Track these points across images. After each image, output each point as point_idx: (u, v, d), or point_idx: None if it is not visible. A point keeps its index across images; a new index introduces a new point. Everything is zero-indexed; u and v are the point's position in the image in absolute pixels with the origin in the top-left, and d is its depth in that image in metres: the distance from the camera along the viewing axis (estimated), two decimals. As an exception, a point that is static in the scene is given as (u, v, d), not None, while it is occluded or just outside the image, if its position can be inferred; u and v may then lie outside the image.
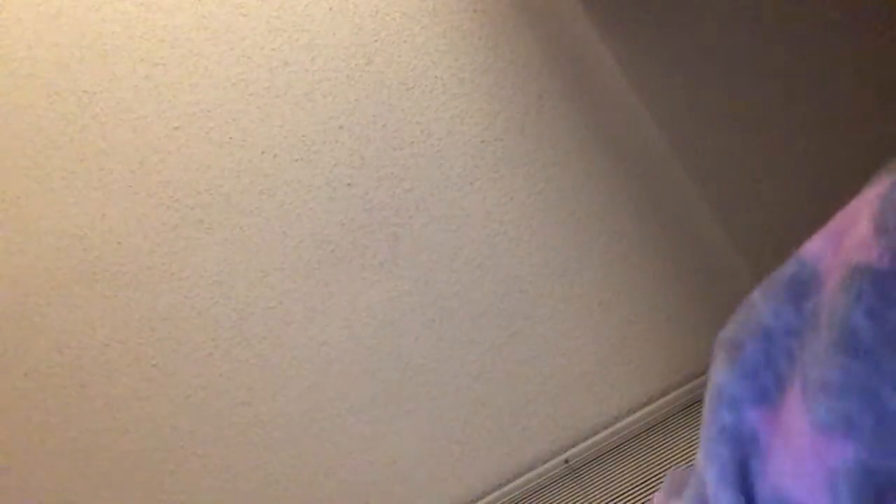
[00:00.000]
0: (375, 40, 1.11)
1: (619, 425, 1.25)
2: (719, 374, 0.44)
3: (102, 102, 1.07)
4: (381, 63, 1.11)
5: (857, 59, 1.19)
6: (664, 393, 1.25)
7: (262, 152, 1.11)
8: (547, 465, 1.24)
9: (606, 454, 1.23)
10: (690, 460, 1.07)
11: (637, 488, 1.07)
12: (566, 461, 1.24)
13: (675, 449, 1.13)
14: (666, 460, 1.11)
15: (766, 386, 0.41)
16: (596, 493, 1.12)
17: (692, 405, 1.24)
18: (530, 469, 1.25)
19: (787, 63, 1.17)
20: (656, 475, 1.08)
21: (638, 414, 1.25)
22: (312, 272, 1.15)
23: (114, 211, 1.09)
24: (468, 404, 1.22)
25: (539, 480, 1.24)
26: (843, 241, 0.39)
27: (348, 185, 1.13)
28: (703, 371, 1.25)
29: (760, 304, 0.45)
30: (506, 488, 1.24)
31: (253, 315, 1.15)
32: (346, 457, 1.21)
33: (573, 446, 1.25)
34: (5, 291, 1.10)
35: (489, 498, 1.24)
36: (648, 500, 1.03)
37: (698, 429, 1.20)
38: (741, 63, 1.16)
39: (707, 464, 0.43)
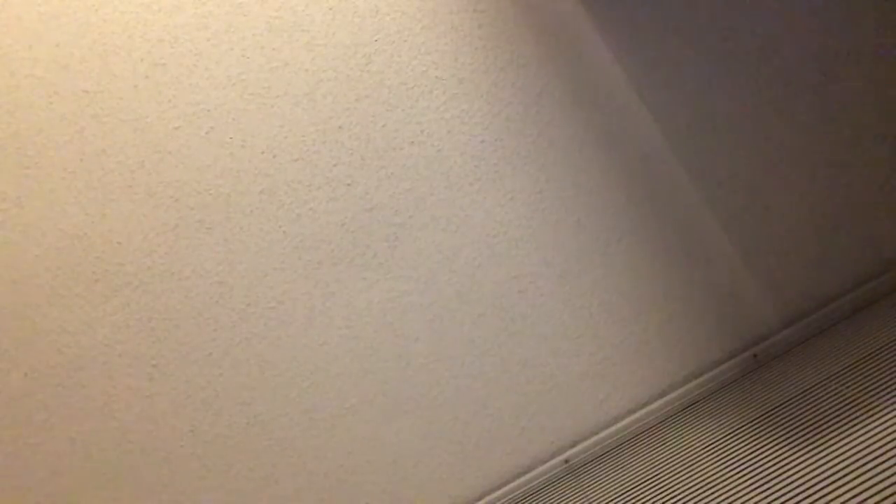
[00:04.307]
0: (375, 40, 1.11)
1: (619, 425, 1.25)
2: None
3: (102, 102, 1.07)
4: (381, 63, 1.11)
5: (858, 59, 1.19)
6: (664, 393, 1.25)
7: (262, 152, 1.11)
8: (547, 465, 1.24)
9: (606, 454, 1.23)
10: (690, 460, 1.07)
11: (637, 488, 1.07)
12: (566, 461, 1.24)
13: (675, 449, 1.13)
14: (666, 460, 1.11)
15: None
16: (596, 493, 1.12)
17: (692, 405, 1.24)
18: (530, 469, 1.25)
19: (788, 62, 1.17)
20: (656, 475, 1.08)
21: (638, 414, 1.25)
22: (312, 272, 1.15)
23: (114, 211, 1.09)
24: (468, 404, 1.22)
25: (539, 480, 1.24)
26: None
27: (348, 185, 1.13)
28: (703, 371, 1.25)
29: None
30: (506, 488, 1.24)
31: (253, 315, 1.15)
32: (346, 457, 1.21)
33: (573, 446, 1.25)
34: (5, 291, 1.10)
35: (489, 498, 1.24)
36: (649, 500, 1.03)
37: (698, 429, 1.21)
38: (741, 62, 1.17)
39: None
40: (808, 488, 0.87)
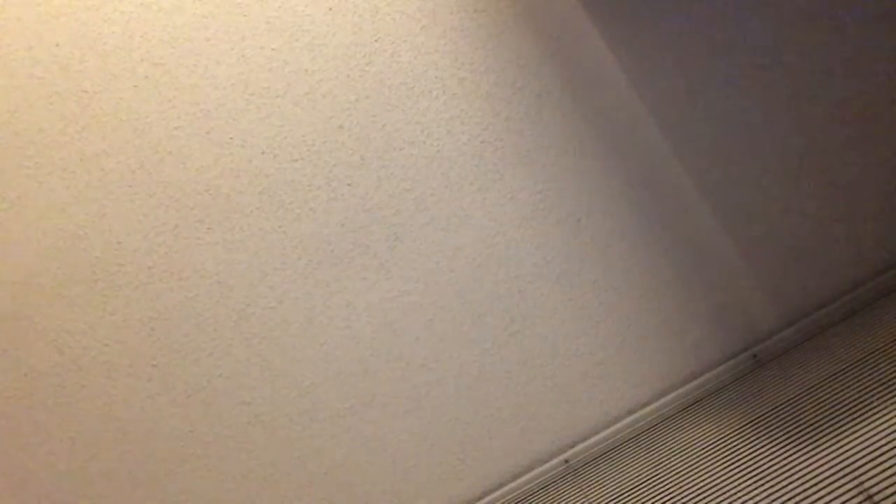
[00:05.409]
0: (375, 40, 1.11)
1: (619, 425, 1.25)
2: None
3: (102, 102, 1.07)
4: (381, 63, 1.11)
5: (858, 61, 1.19)
6: (664, 393, 1.25)
7: (262, 152, 1.11)
8: (547, 465, 1.24)
9: (606, 454, 1.23)
10: (690, 460, 1.07)
11: (637, 488, 1.07)
12: (566, 461, 1.24)
13: (675, 449, 1.13)
14: (666, 460, 1.11)
15: None
16: (596, 493, 1.12)
17: (692, 405, 1.24)
18: (530, 469, 1.25)
19: (788, 62, 1.17)
20: (656, 475, 1.08)
21: (638, 414, 1.25)
22: (312, 272, 1.15)
23: (114, 211, 1.09)
24: (468, 404, 1.22)
25: (539, 480, 1.24)
26: None
27: (348, 185, 1.13)
28: (703, 371, 1.25)
29: None
30: (506, 488, 1.24)
31: (253, 315, 1.15)
32: (346, 457, 1.21)
33: (573, 446, 1.25)
34: (5, 291, 1.10)
35: (489, 498, 1.24)
36: (648, 500, 1.03)
37: (698, 429, 1.21)
38: (742, 62, 1.16)
39: None
40: (808, 488, 0.87)
